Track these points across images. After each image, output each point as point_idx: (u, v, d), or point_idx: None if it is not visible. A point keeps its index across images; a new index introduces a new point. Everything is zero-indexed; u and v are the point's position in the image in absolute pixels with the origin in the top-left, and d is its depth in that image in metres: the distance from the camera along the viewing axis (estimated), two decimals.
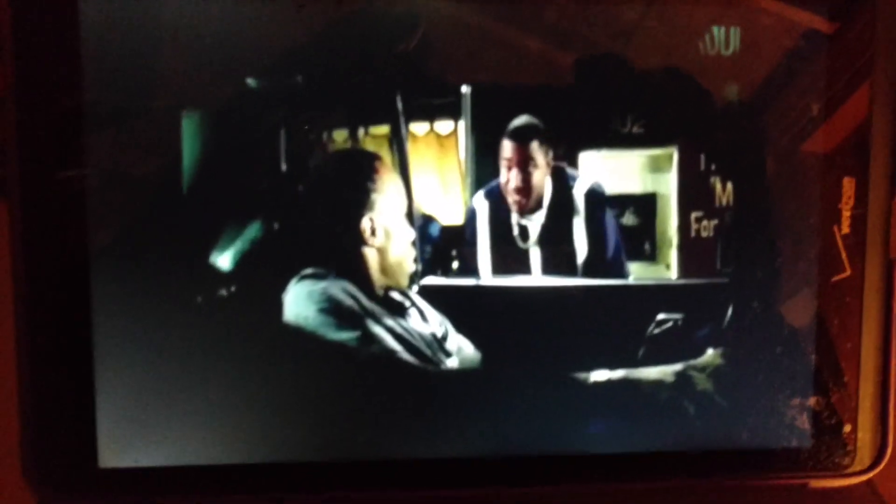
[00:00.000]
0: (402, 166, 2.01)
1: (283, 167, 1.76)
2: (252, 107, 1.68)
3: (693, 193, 1.89)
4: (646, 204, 2.01)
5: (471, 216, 2.91)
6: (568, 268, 2.31)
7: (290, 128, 1.75)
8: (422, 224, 2.07)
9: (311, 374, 1.76)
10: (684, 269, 1.87)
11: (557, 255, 2.27)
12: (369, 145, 1.90)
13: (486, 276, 2.15)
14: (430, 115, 2.00)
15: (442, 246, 2.06)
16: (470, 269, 2.14)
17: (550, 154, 2.73)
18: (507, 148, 2.87)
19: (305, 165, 1.81)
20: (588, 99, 1.89)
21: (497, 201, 3.00)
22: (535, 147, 2.82)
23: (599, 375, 1.80)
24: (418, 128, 2.00)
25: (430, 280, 2.02)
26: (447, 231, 2.08)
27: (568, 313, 1.91)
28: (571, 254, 2.47)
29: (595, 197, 2.87)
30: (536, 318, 1.89)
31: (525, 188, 2.87)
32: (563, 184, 2.85)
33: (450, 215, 2.11)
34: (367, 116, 1.85)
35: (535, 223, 2.91)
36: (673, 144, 1.91)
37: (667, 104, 1.82)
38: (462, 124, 2.03)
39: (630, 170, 2.02)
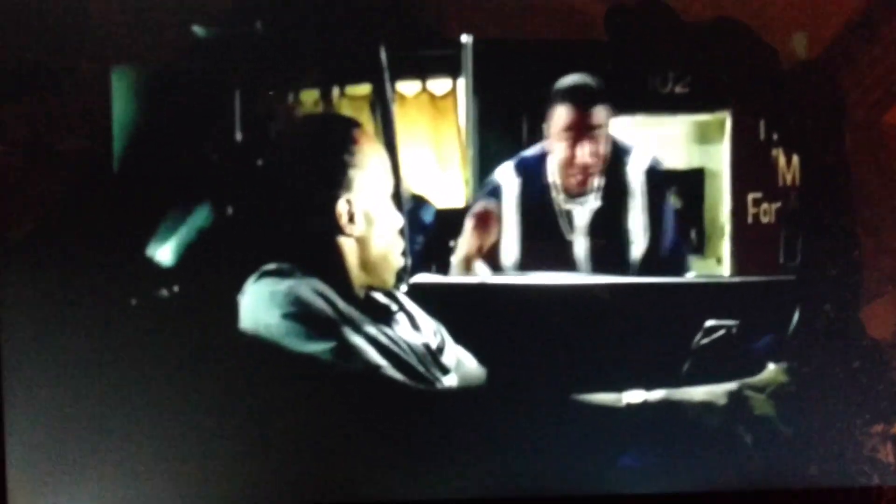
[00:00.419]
0: (386, 135, 1.99)
1: (238, 137, 1.74)
2: (200, 62, 1.68)
3: (750, 169, 1.90)
4: (691, 182, 2.02)
5: (494, 192, 2.89)
6: (622, 264, 2.30)
7: (247, 88, 1.73)
8: (412, 208, 2.08)
9: (274, 397, 1.74)
10: (739, 263, 1.89)
11: (609, 248, 2.25)
12: (346, 109, 1.89)
13: (510, 272, 2.16)
14: (423, 72, 2.02)
15: (438, 235, 2.11)
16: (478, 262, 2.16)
17: (609, 122, 2.75)
18: (563, 115, 2.90)
19: (266, 135, 1.79)
20: (619, 51, 1.92)
21: (533, 178, 3.00)
22: (601, 112, 2.83)
23: (633, 397, 1.79)
24: (407, 87, 2.01)
25: (423, 277, 2.02)
26: (445, 216, 2.15)
27: (595, 319, 1.89)
28: (625, 246, 2.45)
29: (656, 175, 2.92)
30: (556, 326, 1.88)
31: (594, 162, 2.88)
32: (617, 158, 2.87)
33: (448, 196, 2.19)
34: (342, 73, 1.85)
35: (586, 208, 2.91)
36: (725, 108, 1.92)
37: (717, 57, 1.84)
38: (462, 83, 2.07)
39: (672, 140, 2.05)
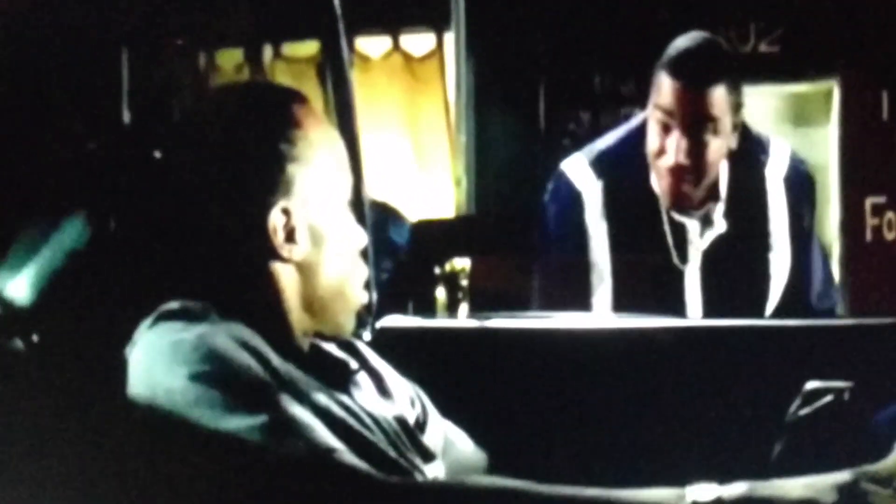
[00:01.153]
0: (341, 114, 1.99)
1: (126, 116, 1.74)
2: (71, 7, 1.67)
3: (869, 163, 1.97)
4: None
5: (567, 204, 2.90)
6: (754, 307, 2.26)
7: (140, 44, 1.73)
8: (376, 221, 2.08)
9: (179, 493, 1.71)
10: (854, 297, 1.95)
11: (738, 286, 2.21)
12: (283, 76, 1.96)
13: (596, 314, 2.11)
14: (394, 22, 2.08)
15: (417, 259, 2.14)
16: (496, 297, 2.15)
17: (742, 109, 2.74)
18: (665, 89, 2.94)
19: (167, 113, 1.81)
20: None
21: (627, 180, 3.02)
22: (721, 97, 2.86)
23: (702, 493, 1.76)
24: (372, 45, 2.07)
25: (395, 320, 2.05)
26: (427, 232, 2.15)
27: (647, 381, 1.91)
28: (760, 287, 2.39)
29: (802, 184, 2.93)
30: (590, 390, 1.90)
31: (693, 168, 2.91)
32: (748, 156, 2.86)
33: (431, 203, 2.22)
34: (278, 25, 1.90)
35: (705, 228, 2.92)
36: (832, 75, 1.97)
37: (820, 1, 1.89)
38: (451, 38, 2.12)
39: (755, 119, 2.03)
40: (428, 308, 2.24)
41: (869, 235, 1.83)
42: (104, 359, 1.75)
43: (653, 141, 2.97)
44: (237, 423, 1.79)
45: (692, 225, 2.97)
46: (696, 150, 2.86)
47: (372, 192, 2.06)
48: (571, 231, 3.03)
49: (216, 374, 1.83)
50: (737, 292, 2.86)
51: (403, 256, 2.34)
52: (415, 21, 2.37)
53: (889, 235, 1.81)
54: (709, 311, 2.77)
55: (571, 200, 3.04)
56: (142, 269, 1.79)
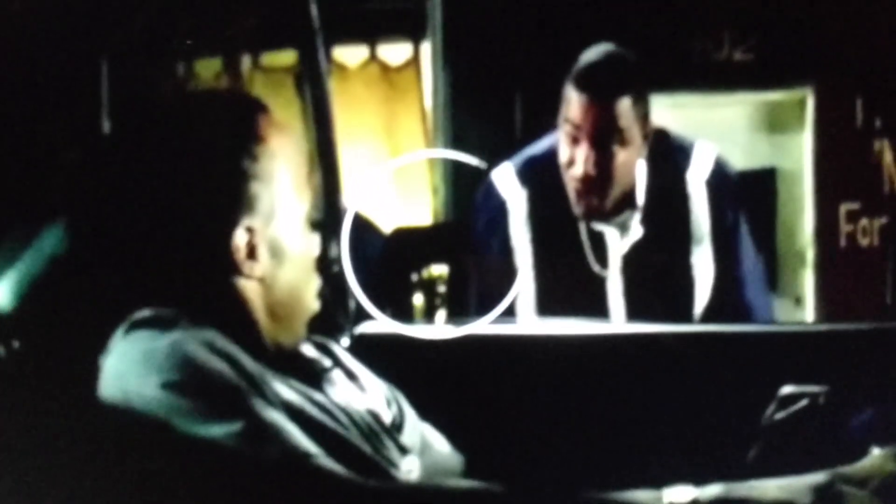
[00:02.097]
0: (320, 123, 2.00)
1: (106, 126, 1.76)
2: (50, 15, 1.67)
3: (843, 170, 1.99)
4: (758, 188, 2.01)
5: (494, 212, 2.94)
6: (678, 316, 2.28)
7: (119, 54, 1.74)
8: (358, 229, 2.08)
9: (158, 500, 1.72)
10: (828, 304, 1.96)
11: (660, 291, 2.24)
12: (261, 86, 1.96)
13: (526, 319, 2.15)
14: (371, 32, 2.09)
15: (394, 267, 2.14)
16: (459, 304, 2.16)
17: (649, 119, 2.79)
18: (572, 102, 2.98)
19: (147, 122, 1.79)
20: (653, 2, 1.97)
21: (547, 187, 3.07)
22: (627, 108, 2.91)
23: (678, 495, 1.77)
24: (350, 54, 2.08)
25: (373, 327, 2.07)
26: (406, 239, 2.14)
27: (622, 385, 1.91)
28: (683, 291, 2.42)
29: (724, 185, 2.97)
30: (566, 394, 1.90)
31: (601, 179, 2.96)
32: (668, 162, 2.90)
33: (409, 210, 2.22)
34: (257, 35, 1.92)
35: (623, 234, 2.95)
36: (806, 82, 1.98)
37: (795, 9, 1.90)
38: (428, 47, 2.13)
39: (729, 128, 2.04)
40: (406, 314, 2.24)
41: (843, 242, 1.84)
42: (87, 365, 1.75)
43: (563, 153, 3.03)
44: (213, 430, 1.79)
45: (610, 233, 3.02)
46: (603, 161, 2.91)
47: (349, 200, 2.06)
48: (497, 238, 3.09)
49: (189, 382, 1.82)
50: (658, 296, 2.89)
51: (380, 265, 2.35)
52: (392, 30, 2.38)
53: (863, 242, 1.82)
54: (632, 316, 2.81)
55: (497, 209, 3.09)
56: (121, 276, 1.80)
